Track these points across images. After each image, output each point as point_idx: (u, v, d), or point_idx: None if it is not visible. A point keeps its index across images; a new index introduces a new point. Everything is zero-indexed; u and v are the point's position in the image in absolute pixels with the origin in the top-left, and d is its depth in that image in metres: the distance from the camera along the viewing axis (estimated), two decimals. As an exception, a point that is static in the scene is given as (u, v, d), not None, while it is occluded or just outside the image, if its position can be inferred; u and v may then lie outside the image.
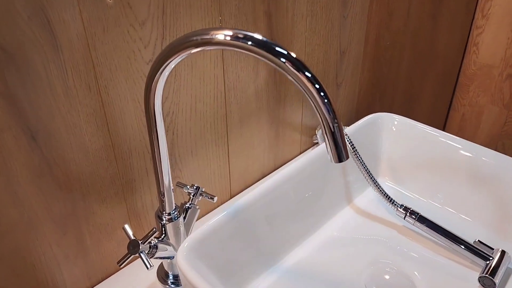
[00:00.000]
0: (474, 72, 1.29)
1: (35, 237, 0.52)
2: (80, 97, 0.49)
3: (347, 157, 0.42)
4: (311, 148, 0.89)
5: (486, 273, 0.57)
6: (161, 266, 0.63)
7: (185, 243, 0.51)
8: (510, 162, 0.64)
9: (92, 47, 0.48)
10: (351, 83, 0.90)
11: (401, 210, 0.65)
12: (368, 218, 0.68)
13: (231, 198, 0.77)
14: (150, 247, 0.55)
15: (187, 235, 0.59)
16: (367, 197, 0.73)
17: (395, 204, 0.66)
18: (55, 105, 0.48)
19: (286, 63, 0.38)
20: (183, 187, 0.60)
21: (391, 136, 0.74)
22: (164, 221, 0.56)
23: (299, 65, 0.38)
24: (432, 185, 0.70)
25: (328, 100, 0.39)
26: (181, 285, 0.61)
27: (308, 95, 0.39)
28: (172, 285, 0.61)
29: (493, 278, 0.56)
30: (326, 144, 0.41)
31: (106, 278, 0.62)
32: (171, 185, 0.54)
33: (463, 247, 0.61)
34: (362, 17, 0.85)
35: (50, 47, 0.45)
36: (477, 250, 0.60)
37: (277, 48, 0.38)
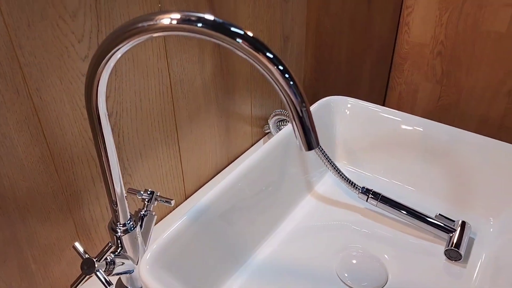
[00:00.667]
0: (407, 51, 1.33)
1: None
2: (8, 103, 0.43)
3: (318, 144, 0.39)
4: (263, 138, 0.86)
5: (451, 246, 0.58)
6: (119, 282, 0.58)
7: (147, 255, 0.46)
8: (459, 134, 0.65)
9: (17, 45, 0.42)
10: (296, 69, 0.89)
11: (362, 192, 0.64)
12: (331, 205, 0.67)
13: (186, 199, 0.72)
14: (106, 264, 0.49)
15: (146, 245, 0.54)
16: (327, 183, 0.71)
17: (356, 187, 0.65)
18: (-22, 115, 0.41)
19: (244, 44, 0.34)
20: (136, 194, 0.55)
21: (345, 119, 0.73)
22: (119, 233, 0.51)
23: (259, 46, 0.35)
24: (390, 164, 0.71)
25: (294, 82, 0.36)
26: (143, 300, 0.56)
27: (271, 78, 0.36)
28: (134, 301, 0.56)
29: (458, 249, 0.57)
30: (294, 131, 0.38)
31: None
32: (124, 192, 0.49)
33: (426, 223, 0.61)
34: (302, 1, 0.83)
35: (-35, 47, 0.38)
36: (440, 224, 0.60)
37: (233, 28, 0.34)
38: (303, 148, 0.39)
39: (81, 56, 0.48)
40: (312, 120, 0.38)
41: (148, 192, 0.55)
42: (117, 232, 0.51)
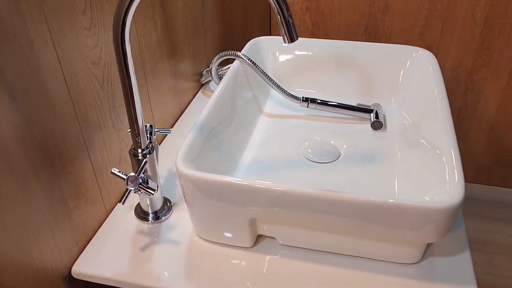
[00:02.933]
0: (281, 12, 1.56)
1: (31, 205, 0.51)
2: (41, 53, 0.50)
3: (297, 37, 0.56)
4: (202, 88, 0.99)
5: (375, 119, 0.80)
6: (138, 207, 0.67)
7: (179, 155, 0.58)
8: (358, 45, 0.87)
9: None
10: (212, 29, 1.03)
11: (303, 101, 0.83)
12: (281, 118, 0.84)
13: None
14: (142, 180, 0.60)
15: (157, 169, 0.64)
16: (272, 102, 0.88)
17: (297, 98, 0.83)
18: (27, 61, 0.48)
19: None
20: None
21: (272, 53, 0.91)
22: (140, 157, 0.61)
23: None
24: (314, 79, 0.90)
25: (280, -6, 0.52)
26: (161, 218, 0.66)
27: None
28: (154, 220, 0.66)
29: (379, 119, 0.79)
30: (280, 28, 0.54)
31: (90, 239, 0.63)
32: (143, 121, 0.59)
33: (353, 110, 0.82)
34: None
35: None
36: (363, 108, 0.82)
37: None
38: (287, 40, 0.55)
39: (81, 10, 0.56)
40: (293, 19, 0.55)
41: (148, 126, 0.65)
42: (138, 157, 0.61)
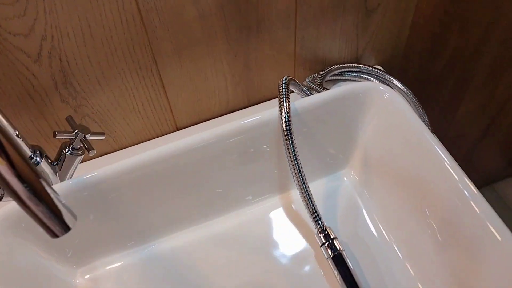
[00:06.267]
0: None
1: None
2: None
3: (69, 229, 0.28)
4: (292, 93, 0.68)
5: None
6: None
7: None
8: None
9: None
10: (395, 7, 0.62)
11: (321, 234, 0.48)
12: (282, 223, 0.53)
13: (177, 130, 0.65)
14: None
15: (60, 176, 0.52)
16: (291, 199, 0.55)
17: (319, 223, 0.48)
18: None
19: None
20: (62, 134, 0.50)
21: (376, 116, 0.51)
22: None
23: None
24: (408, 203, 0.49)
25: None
26: None
27: None
28: None
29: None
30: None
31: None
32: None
33: None
34: None
35: None
36: None
37: None
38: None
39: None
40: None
41: (74, 133, 0.50)
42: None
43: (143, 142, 0.64)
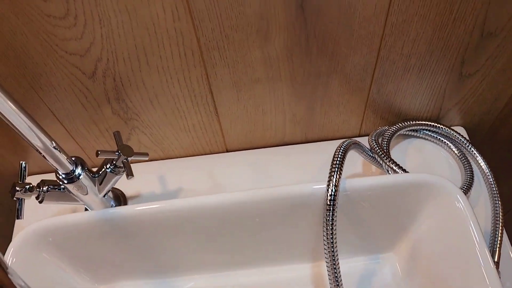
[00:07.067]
0: None
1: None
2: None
3: None
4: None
5: None
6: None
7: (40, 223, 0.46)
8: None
9: None
10: (495, 76, 0.52)
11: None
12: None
13: (227, 151, 0.63)
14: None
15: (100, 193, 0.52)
16: (320, 271, 0.51)
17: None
18: None
19: None
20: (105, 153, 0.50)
21: (435, 214, 0.45)
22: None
23: None
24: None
25: None
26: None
27: None
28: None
29: None
30: None
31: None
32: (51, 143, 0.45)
33: None
34: None
35: None
36: None
37: None
38: None
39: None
40: None
41: (116, 153, 0.50)
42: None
43: (191, 156, 0.63)
